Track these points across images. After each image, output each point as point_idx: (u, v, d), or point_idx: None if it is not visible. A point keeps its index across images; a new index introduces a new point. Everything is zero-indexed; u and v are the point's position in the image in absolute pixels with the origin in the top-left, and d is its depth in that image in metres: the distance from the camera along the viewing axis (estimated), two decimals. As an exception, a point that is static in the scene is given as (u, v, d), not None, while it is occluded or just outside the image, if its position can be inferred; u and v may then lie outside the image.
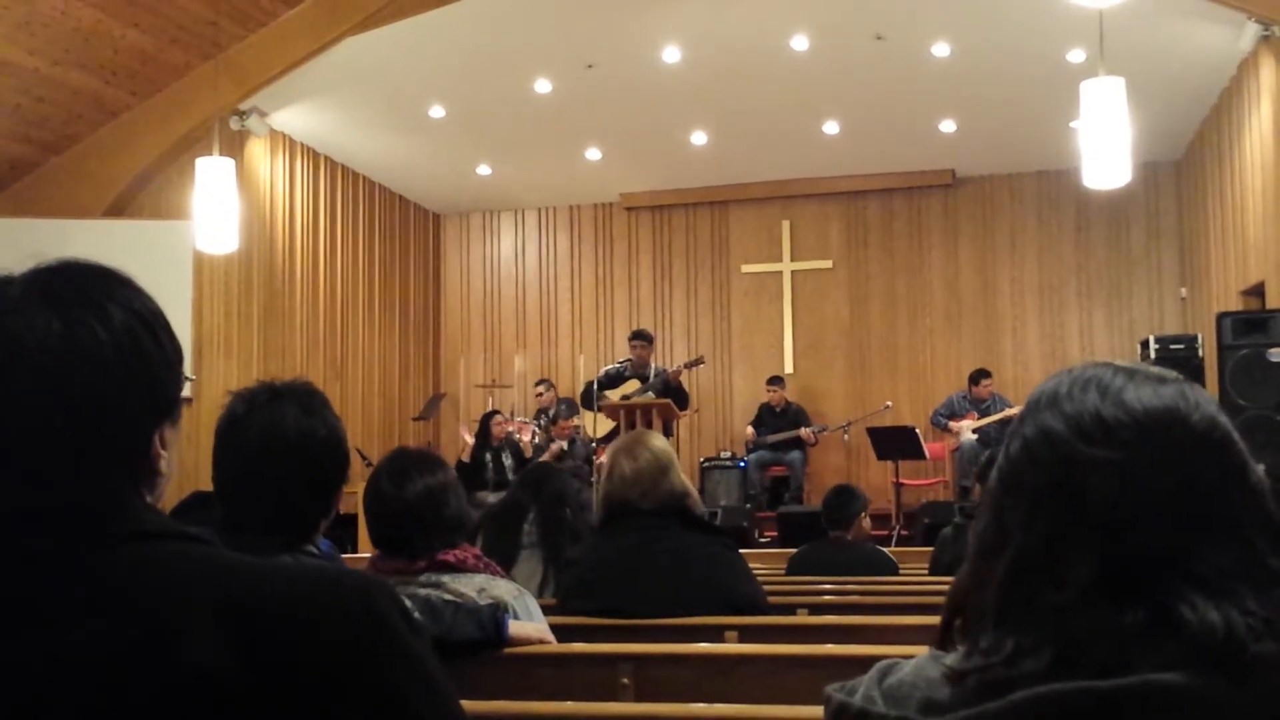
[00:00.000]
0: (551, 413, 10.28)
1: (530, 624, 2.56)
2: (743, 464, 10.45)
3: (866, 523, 4.93)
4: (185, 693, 0.95)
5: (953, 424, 9.97)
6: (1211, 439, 0.97)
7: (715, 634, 2.84)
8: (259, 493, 1.94)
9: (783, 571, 4.99)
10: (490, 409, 10.27)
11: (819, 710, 1.07)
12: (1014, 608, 0.95)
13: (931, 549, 5.37)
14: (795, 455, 10.28)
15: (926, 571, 5.06)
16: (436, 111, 9.46)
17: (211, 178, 7.89)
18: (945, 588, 1.09)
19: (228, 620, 0.97)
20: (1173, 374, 1.01)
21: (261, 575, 1.03)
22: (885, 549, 5.31)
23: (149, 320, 1.07)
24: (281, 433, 1.94)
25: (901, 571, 5.05)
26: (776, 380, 10.71)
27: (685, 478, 3.25)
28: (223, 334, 9.02)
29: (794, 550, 5.26)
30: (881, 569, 4.71)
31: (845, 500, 4.89)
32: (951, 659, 0.98)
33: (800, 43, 8.37)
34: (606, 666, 2.47)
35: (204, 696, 0.95)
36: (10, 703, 0.96)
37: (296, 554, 1.93)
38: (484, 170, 11.06)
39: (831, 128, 9.97)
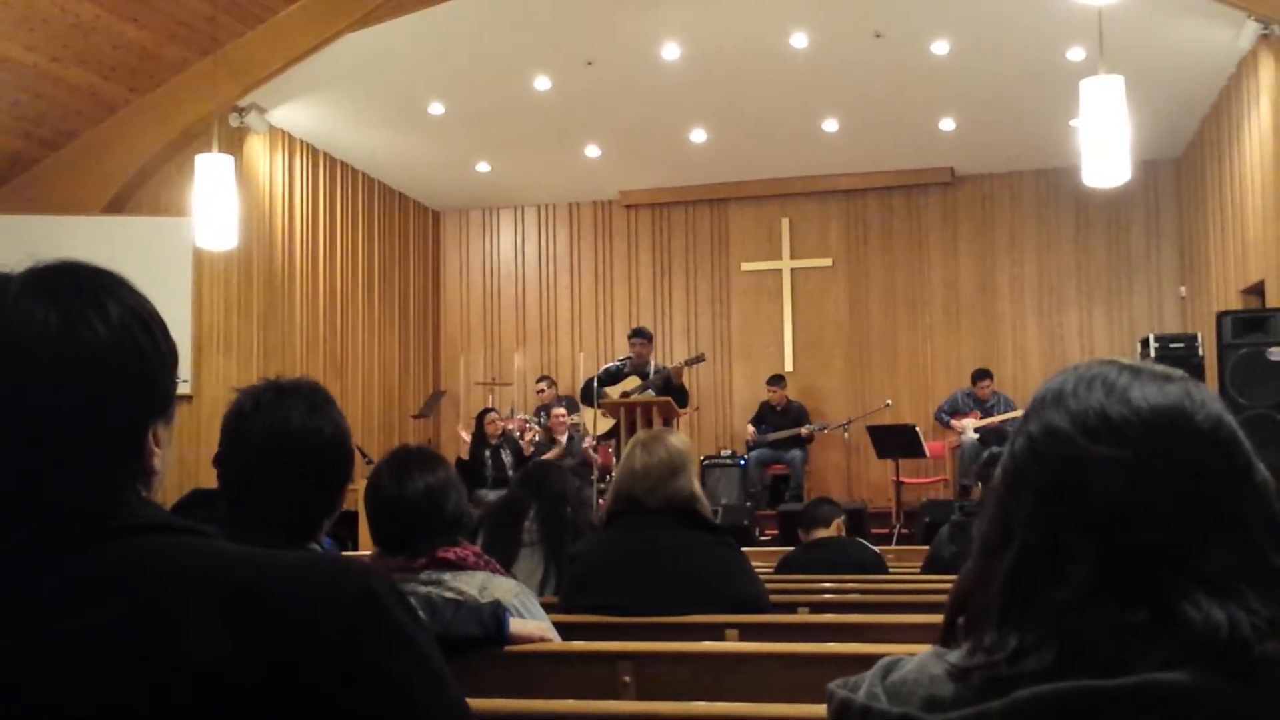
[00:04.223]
0: (550, 409, 10.28)
1: (531, 622, 2.56)
2: (743, 462, 10.45)
3: (835, 528, 5.35)
4: (186, 683, 0.95)
5: (955, 421, 9.96)
6: (1217, 438, 0.97)
7: (716, 632, 2.84)
8: (263, 490, 1.94)
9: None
10: (485, 406, 10.27)
11: (820, 708, 1.07)
12: (1017, 605, 0.95)
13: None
14: (796, 453, 10.28)
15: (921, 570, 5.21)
16: (436, 108, 9.46)
17: (211, 174, 7.88)
18: (944, 586, 1.09)
19: (228, 610, 0.97)
20: (1179, 372, 1.01)
21: (261, 565, 1.03)
22: (887, 548, 5.46)
23: (146, 319, 1.07)
24: (286, 430, 1.95)
25: (900, 570, 5.18)
26: (777, 379, 10.71)
27: (697, 483, 3.24)
28: (222, 331, 9.01)
29: (791, 549, 5.51)
30: (855, 557, 5.06)
31: (815, 504, 5.52)
32: (955, 656, 0.98)
33: (800, 40, 8.36)
34: (607, 665, 2.47)
35: (205, 686, 0.95)
36: (11, 696, 0.96)
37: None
38: (483, 167, 11.05)
39: (831, 126, 9.96)
